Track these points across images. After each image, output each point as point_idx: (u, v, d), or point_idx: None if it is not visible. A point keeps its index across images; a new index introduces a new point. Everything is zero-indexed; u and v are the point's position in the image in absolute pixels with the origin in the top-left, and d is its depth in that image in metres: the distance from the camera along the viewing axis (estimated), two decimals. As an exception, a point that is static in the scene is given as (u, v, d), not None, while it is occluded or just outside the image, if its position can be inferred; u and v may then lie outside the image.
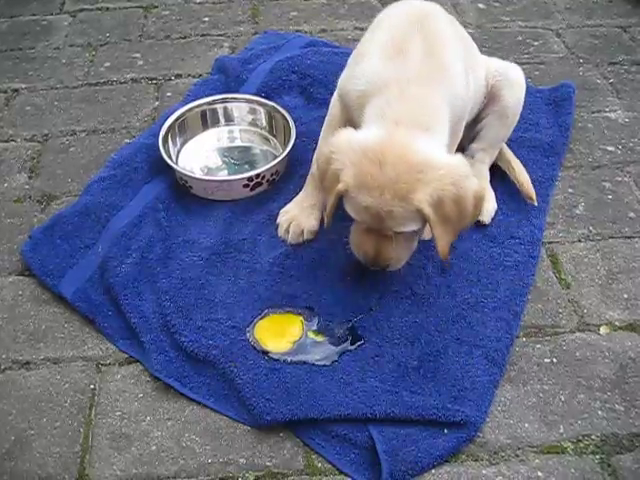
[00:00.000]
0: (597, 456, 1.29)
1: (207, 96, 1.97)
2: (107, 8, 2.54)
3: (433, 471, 1.27)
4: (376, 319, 1.49)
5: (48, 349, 1.48)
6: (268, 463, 1.29)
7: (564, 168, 1.83)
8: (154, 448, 1.31)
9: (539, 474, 1.26)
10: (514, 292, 1.53)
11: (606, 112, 2.04)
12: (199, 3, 2.55)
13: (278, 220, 1.67)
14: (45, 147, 1.97)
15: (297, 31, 2.38)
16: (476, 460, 1.29)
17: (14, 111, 2.09)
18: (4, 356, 1.47)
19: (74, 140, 1.99)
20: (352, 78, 1.49)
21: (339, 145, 1.39)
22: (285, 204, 1.74)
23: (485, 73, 1.68)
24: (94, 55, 2.31)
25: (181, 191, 1.79)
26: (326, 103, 1.98)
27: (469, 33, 2.33)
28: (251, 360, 1.42)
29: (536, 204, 1.71)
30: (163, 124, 1.87)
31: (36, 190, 1.84)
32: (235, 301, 1.53)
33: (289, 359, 1.42)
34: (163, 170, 1.82)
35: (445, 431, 1.31)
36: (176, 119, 1.89)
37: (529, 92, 1.80)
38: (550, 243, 1.67)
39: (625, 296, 1.56)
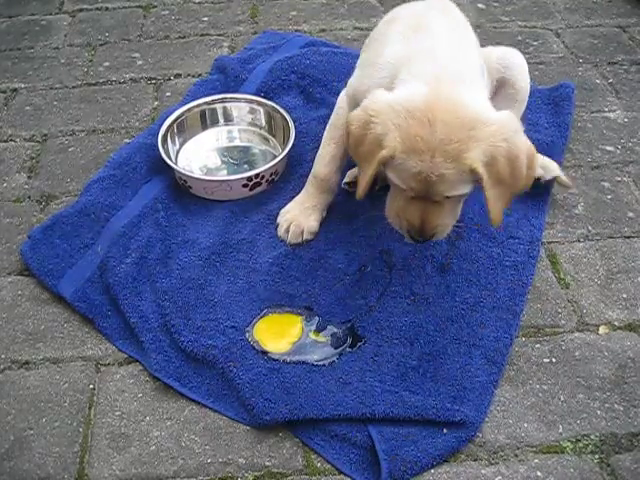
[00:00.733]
0: (596, 456, 1.29)
1: (206, 96, 1.97)
2: (106, 8, 2.54)
3: (432, 471, 1.27)
4: (375, 319, 1.49)
5: (47, 349, 1.48)
6: (267, 463, 1.29)
7: (563, 168, 1.83)
8: (153, 448, 1.31)
9: (538, 474, 1.27)
10: (513, 292, 1.53)
11: (605, 112, 2.04)
12: (198, 3, 2.55)
13: (278, 220, 1.66)
14: (44, 147, 1.97)
15: (296, 31, 2.38)
16: (475, 460, 1.29)
17: (13, 111, 2.09)
18: (3, 356, 1.47)
19: (73, 140, 1.99)
20: (371, 70, 1.45)
21: (379, 107, 1.30)
22: (284, 204, 1.74)
23: (487, 64, 1.65)
24: (93, 55, 2.31)
25: (180, 191, 1.79)
26: (325, 103, 1.99)
27: (468, 33, 2.34)
28: (250, 360, 1.42)
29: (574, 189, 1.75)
30: (162, 124, 1.87)
31: (35, 190, 1.84)
32: (234, 301, 1.53)
33: (288, 359, 1.42)
34: (162, 170, 1.82)
35: (444, 431, 1.31)
36: (175, 119, 1.89)
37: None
38: (549, 243, 1.67)
39: (624, 296, 1.56)
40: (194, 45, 2.34)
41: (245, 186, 1.75)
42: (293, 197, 1.76)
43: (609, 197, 1.78)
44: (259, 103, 1.96)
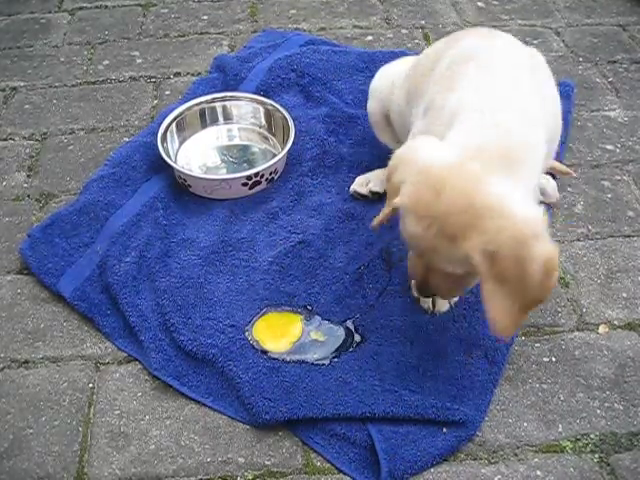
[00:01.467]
0: (596, 455, 1.29)
1: (206, 94, 1.97)
2: (106, 6, 2.54)
3: (432, 470, 1.27)
4: (375, 318, 1.49)
5: (47, 348, 1.48)
6: (267, 462, 1.29)
7: (563, 167, 1.83)
8: (153, 447, 1.31)
9: (538, 473, 1.27)
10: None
11: (605, 111, 2.04)
12: (198, 1, 2.55)
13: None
14: (44, 146, 1.97)
15: (296, 29, 2.38)
16: (475, 459, 1.29)
17: (12, 109, 2.09)
18: (2, 355, 1.47)
19: (73, 139, 1.99)
20: (435, 117, 1.34)
21: (405, 157, 1.25)
22: (284, 203, 1.74)
23: None
24: (93, 53, 2.31)
25: (180, 190, 1.79)
26: (325, 101, 1.99)
27: (468, 32, 2.34)
28: (250, 359, 1.41)
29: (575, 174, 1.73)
30: (162, 122, 1.87)
31: (35, 189, 1.84)
32: (234, 300, 1.53)
33: (288, 358, 1.42)
34: (162, 169, 1.81)
35: (444, 430, 1.31)
36: (175, 117, 1.89)
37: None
38: (549, 242, 1.67)
39: (624, 295, 1.56)
40: (194, 44, 2.34)
41: (245, 185, 1.75)
42: (293, 196, 1.77)
43: (609, 196, 1.78)
44: (259, 102, 1.96)
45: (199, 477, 1.27)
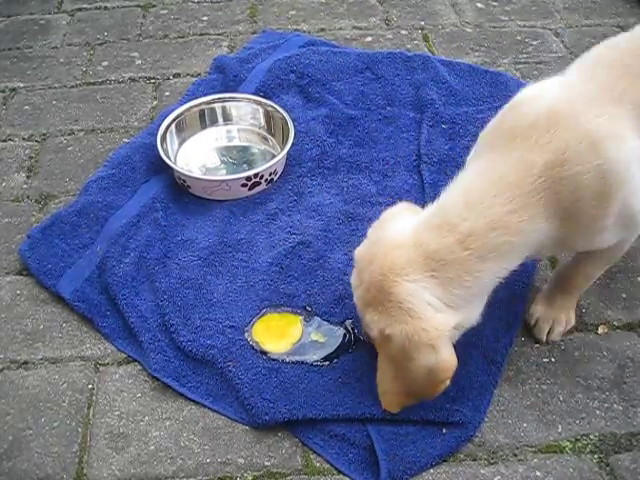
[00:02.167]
0: (595, 455, 1.29)
1: (205, 95, 1.97)
2: (105, 7, 2.54)
3: (432, 471, 1.27)
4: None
5: (46, 349, 1.48)
6: (267, 463, 1.29)
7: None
8: (152, 448, 1.31)
9: (537, 474, 1.27)
10: (513, 292, 1.53)
11: (604, 112, 2.03)
12: (197, 2, 2.55)
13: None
14: (43, 146, 1.97)
15: (296, 30, 2.38)
16: (474, 460, 1.29)
17: (12, 110, 2.09)
18: (2, 356, 1.47)
19: (72, 139, 1.99)
20: None
21: (385, 213, 1.33)
22: (284, 204, 1.74)
23: None
24: (92, 54, 2.31)
25: (179, 190, 1.79)
26: (324, 102, 1.99)
27: (468, 33, 2.35)
28: (250, 360, 1.42)
29: None
30: (161, 123, 1.87)
31: (34, 190, 1.84)
32: (233, 301, 1.53)
33: (288, 359, 1.42)
34: (161, 169, 1.81)
35: (443, 431, 1.31)
36: (174, 118, 1.89)
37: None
38: (548, 243, 1.67)
39: (624, 296, 1.56)
40: (193, 45, 2.34)
41: (244, 186, 1.75)
42: (292, 197, 1.77)
43: (608, 197, 1.78)
44: (258, 102, 1.96)
45: (199, 478, 1.27)
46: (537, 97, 1.27)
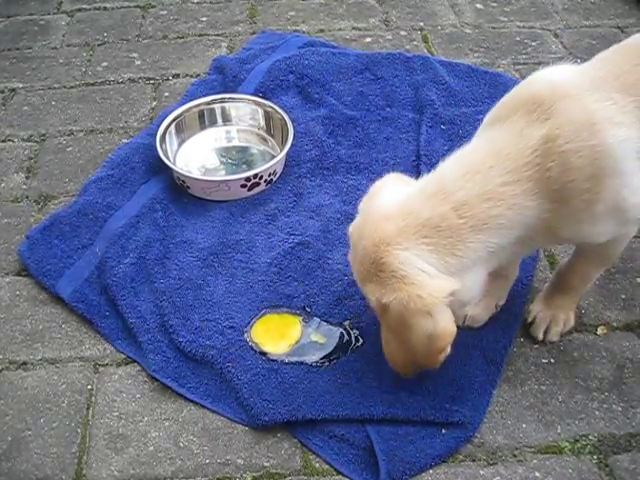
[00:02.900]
0: (594, 456, 1.29)
1: (205, 96, 1.97)
2: (105, 8, 2.54)
3: (431, 471, 1.27)
4: (374, 319, 1.48)
5: (45, 349, 1.48)
6: (266, 463, 1.29)
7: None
8: (152, 449, 1.31)
9: (537, 474, 1.27)
10: (513, 293, 1.53)
11: (604, 112, 2.04)
12: (197, 3, 2.55)
13: None
14: (42, 147, 1.97)
15: (295, 31, 2.38)
16: (474, 460, 1.29)
17: (11, 111, 2.09)
18: (1, 356, 1.47)
19: (71, 140, 1.99)
20: None
21: (374, 185, 1.32)
22: (283, 204, 1.74)
23: None
24: (91, 55, 2.31)
25: (179, 191, 1.79)
26: (324, 103, 1.99)
27: (467, 33, 2.36)
28: (249, 360, 1.41)
29: None
30: (161, 124, 1.87)
31: (33, 190, 1.84)
32: (233, 301, 1.53)
33: (287, 360, 1.42)
34: (160, 170, 1.81)
35: (443, 431, 1.31)
36: (174, 119, 1.89)
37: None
38: (548, 243, 1.67)
39: (623, 296, 1.56)
40: (192, 45, 2.34)
41: (243, 186, 1.75)
42: (291, 197, 1.77)
43: (607, 197, 1.78)
44: (257, 103, 1.96)
45: (198, 478, 1.27)
46: (547, 76, 1.28)
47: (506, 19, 2.43)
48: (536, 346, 1.46)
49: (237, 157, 1.91)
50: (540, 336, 1.46)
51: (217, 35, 2.39)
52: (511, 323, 1.48)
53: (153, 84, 2.18)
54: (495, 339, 1.45)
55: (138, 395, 1.40)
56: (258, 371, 1.39)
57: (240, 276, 1.58)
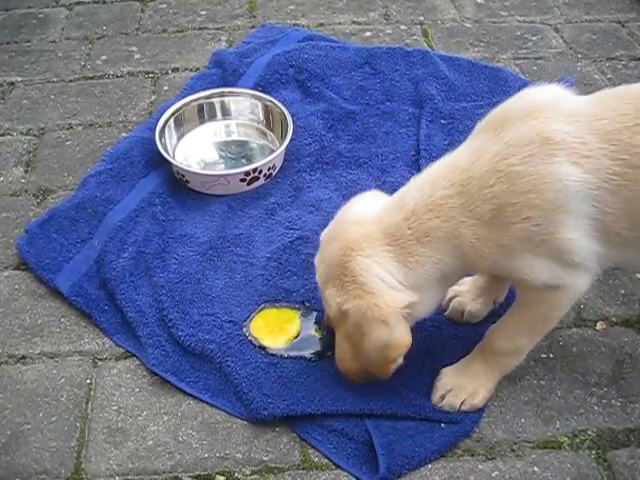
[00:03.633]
0: (593, 451, 1.29)
1: (204, 90, 1.97)
2: (104, 1, 2.53)
3: (430, 466, 1.27)
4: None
5: (44, 343, 1.48)
6: (265, 458, 1.29)
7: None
8: (150, 443, 1.31)
9: (535, 469, 1.27)
10: (511, 289, 1.53)
11: (604, 107, 2.03)
12: (196, -4, 2.54)
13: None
14: (41, 141, 1.96)
15: (295, 25, 2.37)
16: (472, 455, 1.29)
17: (10, 104, 2.09)
18: (0, 350, 1.47)
19: (70, 134, 1.98)
20: None
21: (354, 198, 1.35)
22: (282, 199, 1.74)
23: None
24: (90, 48, 2.30)
25: (178, 185, 1.79)
26: (323, 97, 1.99)
27: (467, 28, 2.35)
28: (248, 355, 1.41)
29: None
30: (160, 118, 1.87)
31: (32, 184, 1.83)
32: (232, 296, 1.53)
33: (286, 354, 1.42)
34: (160, 164, 1.81)
35: (442, 426, 1.31)
36: (173, 113, 1.89)
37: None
38: (547, 238, 1.67)
39: (622, 292, 1.56)
40: (192, 39, 2.33)
41: (243, 180, 1.75)
42: (291, 192, 1.77)
43: (607, 193, 1.78)
44: (257, 97, 1.95)
45: (197, 473, 1.27)
46: (531, 94, 1.25)
47: (506, 13, 2.43)
48: (535, 341, 1.46)
49: (236, 151, 1.91)
50: (433, 401, 1.33)
51: (217, 29, 2.38)
52: (510, 318, 1.48)
53: (152, 78, 2.17)
54: (494, 334, 1.44)
55: (137, 389, 1.40)
56: (257, 365, 1.39)
57: (239, 270, 1.58)
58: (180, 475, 1.27)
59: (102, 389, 1.40)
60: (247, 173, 1.74)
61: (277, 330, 1.46)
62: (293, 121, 1.85)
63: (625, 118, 1.17)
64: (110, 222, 1.67)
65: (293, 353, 1.42)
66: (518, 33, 2.33)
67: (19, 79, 2.18)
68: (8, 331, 1.50)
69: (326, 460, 1.29)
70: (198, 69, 2.19)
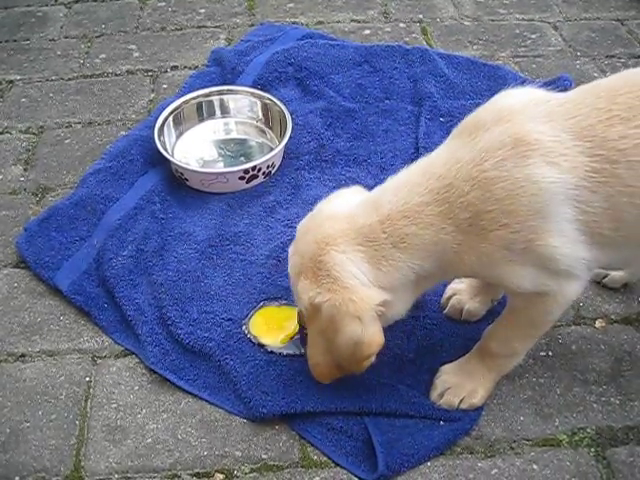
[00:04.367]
0: (592, 449, 1.29)
1: (203, 88, 1.97)
2: (103, -1, 2.53)
3: (429, 463, 1.27)
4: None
5: (44, 341, 1.48)
6: (264, 455, 1.29)
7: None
8: (150, 440, 1.31)
9: (534, 467, 1.27)
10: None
11: (603, 105, 2.03)
12: (195, -6, 2.54)
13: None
14: (40, 139, 1.96)
15: (294, 23, 2.37)
16: (472, 453, 1.29)
17: (9, 103, 2.08)
18: (-1, 348, 1.47)
19: (69, 132, 1.98)
20: None
21: (336, 194, 1.33)
22: (281, 196, 1.74)
23: None
24: (89, 47, 2.30)
25: (177, 183, 1.79)
26: (322, 95, 1.99)
27: (466, 26, 2.35)
28: (247, 353, 1.41)
29: None
30: (159, 116, 1.87)
31: (31, 182, 1.83)
32: (231, 293, 1.53)
33: (285, 352, 1.42)
34: (159, 162, 1.81)
35: (441, 423, 1.31)
36: (172, 111, 1.89)
37: (526, 86, 1.79)
38: (546, 236, 1.67)
39: (621, 289, 1.56)
40: (191, 37, 2.33)
41: (242, 178, 1.75)
42: (290, 190, 1.76)
43: (606, 190, 1.78)
44: (256, 95, 1.95)
45: (196, 471, 1.27)
46: (503, 98, 1.23)
47: (505, 11, 2.43)
48: (534, 339, 1.46)
49: (235, 149, 1.91)
50: (432, 398, 1.33)
51: (215, 27, 2.38)
52: (509, 316, 1.48)
53: (151, 76, 2.17)
54: (493, 332, 1.44)
55: (136, 387, 1.40)
56: (256, 363, 1.39)
57: (238, 268, 1.58)
58: (179, 473, 1.27)
59: (101, 387, 1.40)
60: (246, 171, 1.74)
61: (276, 328, 1.46)
62: (292, 119, 1.85)
63: (599, 112, 1.15)
64: (109, 220, 1.67)
65: (292, 351, 1.42)
66: (517, 31, 2.33)
67: (18, 77, 2.18)
68: (7, 329, 1.50)
69: (325, 458, 1.29)
70: (197, 67, 2.19)
